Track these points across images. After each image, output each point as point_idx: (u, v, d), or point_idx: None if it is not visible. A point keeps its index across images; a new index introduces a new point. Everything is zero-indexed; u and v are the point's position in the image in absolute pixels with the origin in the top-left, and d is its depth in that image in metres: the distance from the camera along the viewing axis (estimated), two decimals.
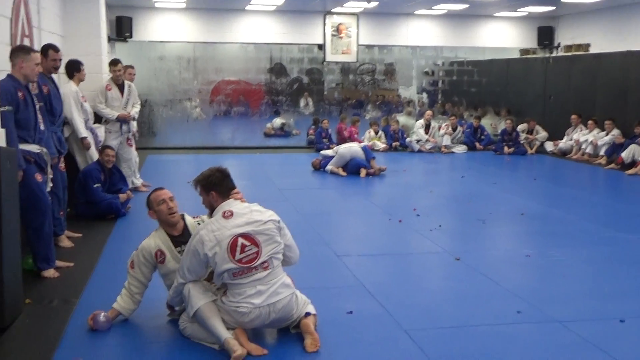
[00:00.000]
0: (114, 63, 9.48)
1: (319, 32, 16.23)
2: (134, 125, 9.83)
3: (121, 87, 9.50)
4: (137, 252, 4.63)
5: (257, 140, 16.69)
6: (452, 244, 7.05)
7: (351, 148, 11.79)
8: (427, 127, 15.57)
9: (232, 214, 4.17)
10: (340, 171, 11.67)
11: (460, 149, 15.55)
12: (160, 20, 15.41)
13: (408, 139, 15.54)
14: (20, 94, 5.41)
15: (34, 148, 5.56)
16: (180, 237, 4.63)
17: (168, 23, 15.45)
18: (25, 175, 5.34)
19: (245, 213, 4.19)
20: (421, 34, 16.76)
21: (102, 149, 8.32)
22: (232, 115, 17.61)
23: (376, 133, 15.87)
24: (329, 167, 11.86)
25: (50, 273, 5.61)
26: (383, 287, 5.48)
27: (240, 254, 4.09)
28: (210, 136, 16.38)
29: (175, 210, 4.63)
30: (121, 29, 14.60)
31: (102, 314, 4.50)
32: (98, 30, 10.95)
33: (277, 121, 17.50)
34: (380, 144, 15.45)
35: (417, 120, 16.10)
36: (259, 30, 15.94)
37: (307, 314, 4.34)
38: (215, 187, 4.26)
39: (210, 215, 4.34)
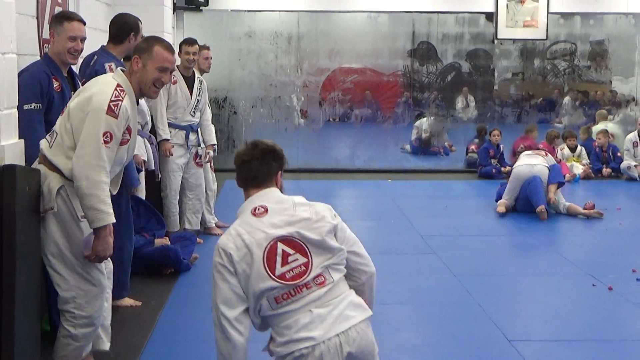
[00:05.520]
0: (189, 42, 9.80)
1: None
2: (211, 135, 10.11)
3: (190, 81, 9.79)
4: (117, 120, 4.89)
5: (390, 159, 16.79)
6: None
7: (533, 167, 11.72)
8: None
9: (265, 211, 4.26)
10: (499, 207, 11.72)
11: None
12: None
13: (624, 164, 15.19)
14: (56, 83, 5.76)
15: None
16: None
17: None
18: None
19: (287, 208, 4.29)
20: None
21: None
22: (353, 121, 17.82)
23: (573, 150, 15.60)
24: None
25: (128, 302, 6.33)
26: None
27: (283, 266, 4.13)
28: (319, 153, 16.65)
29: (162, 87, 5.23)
30: None
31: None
32: None
33: (421, 130, 17.54)
34: (580, 167, 15.19)
35: (629, 134, 15.74)
36: None
37: None
38: (240, 171, 4.41)
39: None
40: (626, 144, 15.37)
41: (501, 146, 15.26)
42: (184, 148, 9.69)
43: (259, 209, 4.26)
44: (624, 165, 15.20)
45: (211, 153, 10.10)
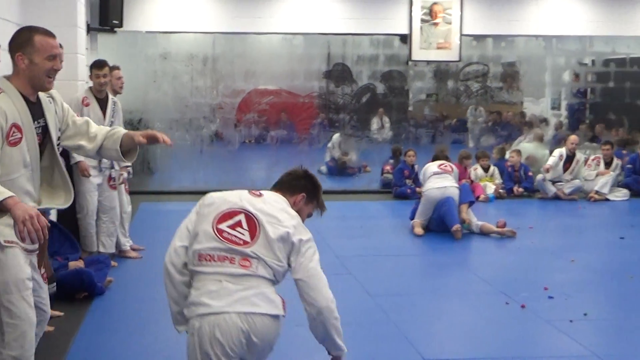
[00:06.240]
0: (98, 65, 9.69)
1: (401, 17, 16.41)
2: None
3: (103, 103, 9.71)
4: None
5: None
6: (605, 344, 6.97)
7: (445, 189, 11.81)
8: (569, 161, 15.49)
9: (260, 195, 4.72)
10: (416, 227, 11.76)
11: (619, 194, 15.44)
12: (165, 1, 15.84)
13: (540, 177, 15.49)
14: None
15: None
16: (37, 107, 4.85)
17: (176, 5, 15.84)
18: None
19: (274, 206, 4.66)
20: (559, 18, 16.77)
21: None
22: (269, 143, 17.82)
23: (486, 170, 15.85)
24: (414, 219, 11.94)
25: None
26: None
27: (228, 227, 4.49)
28: (234, 174, 16.54)
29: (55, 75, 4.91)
30: (107, 15, 14.97)
31: None
32: (73, 17, 11.31)
33: (337, 151, 17.62)
34: (492, 187, 15.44)
35: (553, 150, 15.97)
36: (312, 14, 16.18)
37: None
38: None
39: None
40: (552, 159, 15.53)
41: (416, 167, 15.34)
42: (97, 170, 9.58)
43: (256, 191, 4.74)
44: (539, 177, 15.45)
45: (125, 175, 10.00)
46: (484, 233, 11.62)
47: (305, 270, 4.50)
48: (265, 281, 4.41)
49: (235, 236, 4.42)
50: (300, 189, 4.85)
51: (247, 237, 4.43)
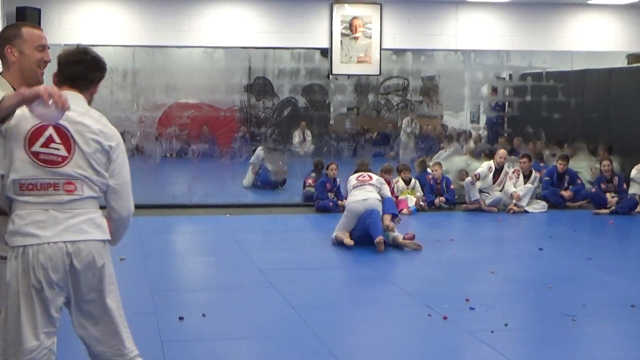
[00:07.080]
0: None
1: (322, 31, 16.46)
2: None
3: None
4: None
5: (228, 194, 16.72)
6: (526, 354, 7.05)
7: (366, 201, 11.84)
8: (497, 174, 15.71)
9: None
10: (346, 238, 11.76)
11: (537, 206, 15.67)
12: (83, 14, 15.63)
13: (468, 179, 15.66)
14: None
15: None
16: None
17: (95, 17, 15.67)
18: None
19: (78, 110, 4.41)
20: (477, 33, 17.00)
21: None
22: (191, 157, 17.71)
23: (407, 183, 15.95)
24: (334, 233, 11.92)
25: None
26: None
27: (42, 147, 4.29)
28: (155, 189, 16.37)
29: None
30: None
31: None
32: None
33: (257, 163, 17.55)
34: (414, 199, 15.55)
35: (482, 163, 16.13)
36: (232, 28, 16.15)
37: None
38: (64, 69, 4.55)
39: None
40: (483, 170, 15.62)
41: (338, 180, 15.39)
42: None
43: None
44: (467, 179, 15.61)
45: None
46: (395, 245, 11.63)
47: (119, 176, 4.53)
48: (92, 203, 4.41)
49: (52, 154, 4.28)
50: (97, 78, 4.70)
51: (63, 152, 4.31)
